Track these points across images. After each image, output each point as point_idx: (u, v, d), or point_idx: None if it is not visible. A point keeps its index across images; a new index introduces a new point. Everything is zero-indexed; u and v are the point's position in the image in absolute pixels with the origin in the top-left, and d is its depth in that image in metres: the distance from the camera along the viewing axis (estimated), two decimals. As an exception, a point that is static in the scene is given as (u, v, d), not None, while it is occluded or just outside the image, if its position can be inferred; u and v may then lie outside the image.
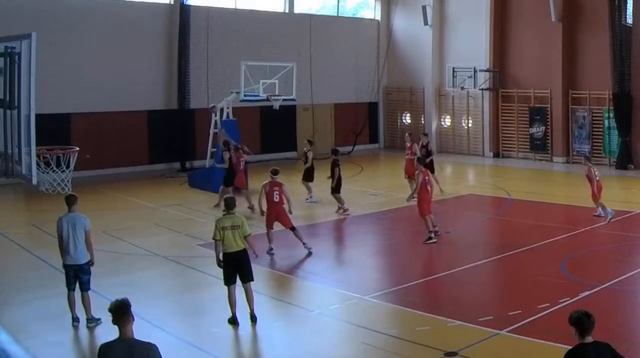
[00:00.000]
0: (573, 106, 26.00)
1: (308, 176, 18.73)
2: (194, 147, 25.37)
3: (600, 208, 16.04)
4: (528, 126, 27.28)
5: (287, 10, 29.23)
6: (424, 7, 29.55)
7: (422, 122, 31.12)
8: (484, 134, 28.96)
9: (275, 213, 13.34)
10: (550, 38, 26.11)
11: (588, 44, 25.38)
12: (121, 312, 5.45)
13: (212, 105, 21.86)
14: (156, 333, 8.97)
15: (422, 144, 20.15)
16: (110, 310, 5.48)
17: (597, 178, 16.06)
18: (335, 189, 17.09)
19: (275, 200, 13.34)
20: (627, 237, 14.46)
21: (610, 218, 15.57)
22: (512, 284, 11.72)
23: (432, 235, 14.04)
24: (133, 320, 5.48)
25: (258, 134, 27.29)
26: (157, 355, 5.40)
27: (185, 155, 25.46)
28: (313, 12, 30.63)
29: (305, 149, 19.52)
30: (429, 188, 14.20)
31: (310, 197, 18.58)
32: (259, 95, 21.47)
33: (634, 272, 11.71)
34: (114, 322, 5.49)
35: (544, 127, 26.76)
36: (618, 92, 24.02)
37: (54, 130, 20.75)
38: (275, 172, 13.68)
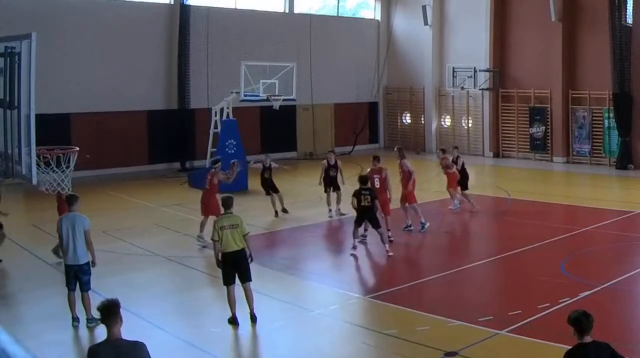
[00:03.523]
0: (573, 106, 26.00)
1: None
2: (194, 147, 25.38)
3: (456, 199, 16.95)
4: (528, 126, 27.28)
5: (287, 10, 29.23)
6: (424, 7, 29.55)
7: (422, 122, 31.14)
8: (484, 134, 28.96)
9: None
10: (550, 38, 26.10)
11: (588, 44, 25.38)
12: (109, 312, 5.41)
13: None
14: (156, 333, 8.99)
15: (452, 158, 17.75)
16: (98, 309, 5.48)
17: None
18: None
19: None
20: (627, 237, 14.46)
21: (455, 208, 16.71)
22: (512, 284, 11.72)
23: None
24: (121, 321, 5.43)
25: (258, 134, 27.29)
26: (145, 354, 5.38)
27: (185, 155, 25.46)
28: (313, 12, 30.63)
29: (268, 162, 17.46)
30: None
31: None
32: (258, 95, 21.47)
33: (634, 272, 11.70)
34: (102, 321, 5.47)
35: (544, 127, 26.76)
36: (618, 92, 24.01)
37: (54, 130, 20.71)
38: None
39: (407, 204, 15.27)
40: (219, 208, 12.99)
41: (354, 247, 13.47)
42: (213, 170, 14.87)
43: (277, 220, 16.70)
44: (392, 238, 14.07)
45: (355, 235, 13.51)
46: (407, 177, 15.29)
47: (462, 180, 17.58)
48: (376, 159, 14.72)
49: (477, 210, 17.29)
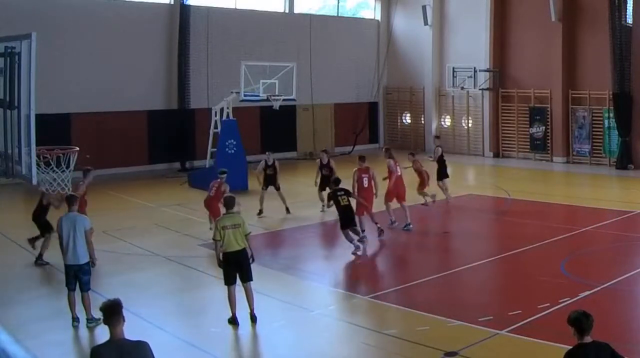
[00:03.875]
0: (573, 106, 25.99)
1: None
2: (194, 147, 25.38)
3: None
4: (528, 126, 27.27)
5: (287, 10, 29.23)
6: (424, 7, 29.55)
7: (422, 122, 31.14)
8: (484, 134, 28.95)
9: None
10: (550, 38, 26.10)
11: (588, 44, 25.38)
12: (111, 312, 5.41)
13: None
14: (156, 333, 8.99)
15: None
16: (101, 309, 5.48)
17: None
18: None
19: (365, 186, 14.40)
20: (627, 237, 14.46)
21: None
22: (512, 284, 11.72)
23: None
24: (124, 321, 5.44)
25: (258, 134, 27.28)
26: (148, 353, 5.38)
27: (185, 155, 25.47)
28: (313, 12, 30.63)
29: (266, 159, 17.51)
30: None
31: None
32: (258, 95, 21.47)
33: (634, 272, 11.70)
34: (105, 322, 5.48)
35: (544, 127, 26.75)
36: (618, 92, 24.00)
37: (54, 130, 20.72)
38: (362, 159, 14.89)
39: (400, 202, 15.50)
40: (220, 213, 13.17)
41: (357, 247, 13.47)
42: (220, 179, 15.00)
43: (277, 220, 16.70)
44: (382, 228, 14.44)
45: (349, 238, 13.52)
46: (391, 177, 15.57)
47: (441, 169, 18.18)
48: (362, 159, 15.07)
49: (451, 203, 17.83)
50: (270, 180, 17.30)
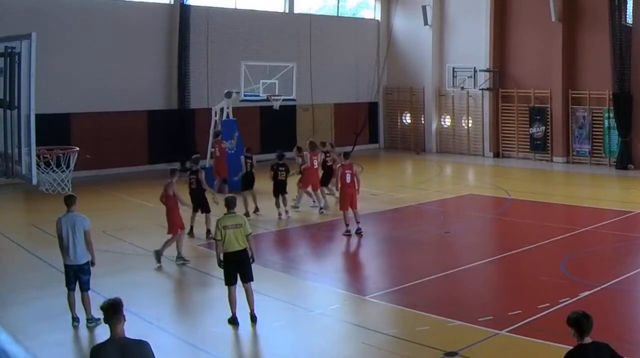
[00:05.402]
0: (573, 106, 25.99)
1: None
2: (194, 147, 25.35)
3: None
4: (528, 126, 27.28)
5: (287, 10, 29.23)
6: (424, 7, 29.54)
7: (422, 122, 31.14)
8: (484, 134, 28.95)
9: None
10: (550, 38, 26.10)
11: (588, 44, 25.38)
12: (112, 311, 5.43)
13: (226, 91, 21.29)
14: (156, 333, 8.99)
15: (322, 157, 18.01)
16: (102, 308, 5.49)
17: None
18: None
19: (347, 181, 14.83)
20: (627, 237, 14.46)
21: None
22: (512, 284, 11.72)
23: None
24: (124, 320, 5.46)
25: (258, 134, 27.28)
26: (149, 352, 5.39)
27: (185, 155, 25.43)
28: (313, 12, 30.63)
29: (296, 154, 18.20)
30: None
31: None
32: (258, 95, 21.46)
33: (634, 272, 11.71)
34: (105, 320, 5.49)
35: (544, 127, 26.75)
36: (618, 92, 24.01)
37: (54, 130, 20.76)
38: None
39: (314, 190, 17.30)
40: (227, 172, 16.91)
41: (280, 216, 16.20)
42: (216, 140, 17.47)
43: (277, 220, 16.66)
44: (362, 232, 14.69)
45: (277, 206, 16.26)
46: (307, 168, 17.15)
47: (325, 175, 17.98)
48: (346, 155, 15.54)
49: (325, 213, 17.12)
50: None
